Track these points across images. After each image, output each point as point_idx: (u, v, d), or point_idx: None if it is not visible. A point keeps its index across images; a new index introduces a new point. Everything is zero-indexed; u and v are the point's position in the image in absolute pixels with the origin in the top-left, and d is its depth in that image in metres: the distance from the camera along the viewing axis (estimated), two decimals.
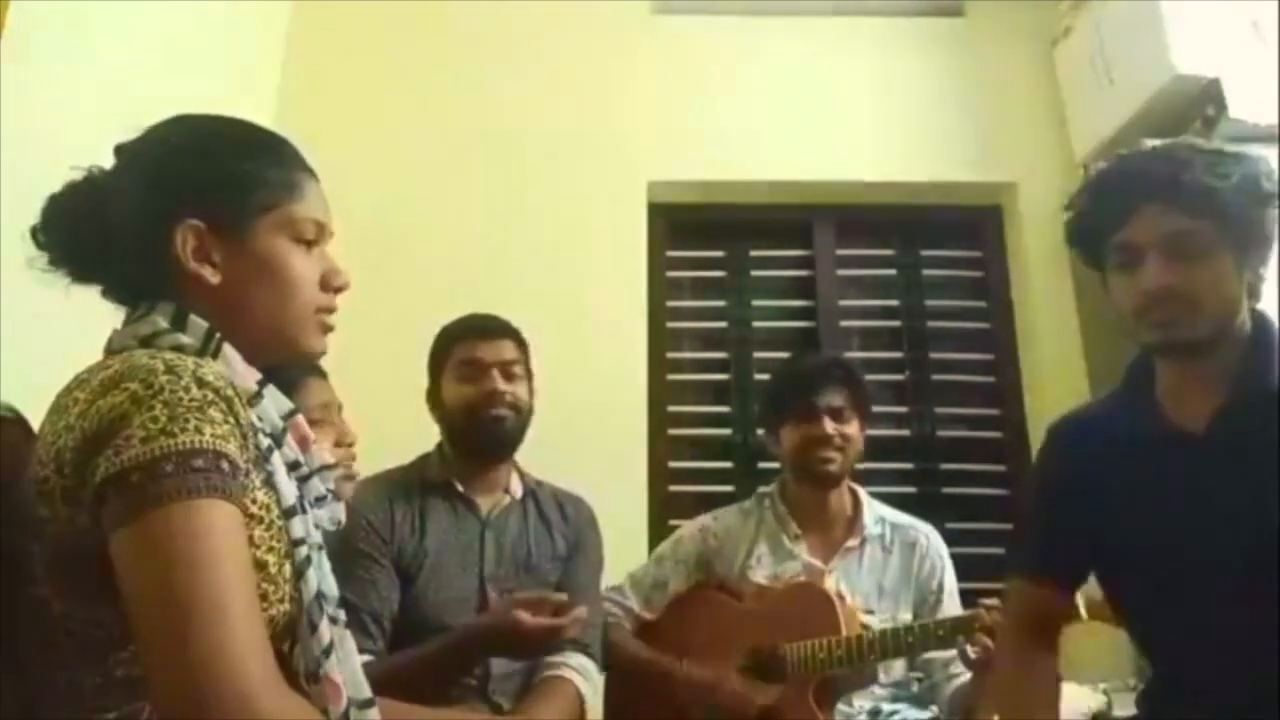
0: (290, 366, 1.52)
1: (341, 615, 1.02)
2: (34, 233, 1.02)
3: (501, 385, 1.89)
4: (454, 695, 1.75)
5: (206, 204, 1.01)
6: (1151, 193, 1.32)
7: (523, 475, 2.00)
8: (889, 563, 2.08)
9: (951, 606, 2.05)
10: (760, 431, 2.40)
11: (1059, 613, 1.51)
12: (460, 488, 1.91)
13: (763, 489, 2.22)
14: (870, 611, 2.01)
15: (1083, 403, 2.56)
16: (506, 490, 1.96)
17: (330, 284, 1.08)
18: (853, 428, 2.10)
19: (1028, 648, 1.49)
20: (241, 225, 1.02)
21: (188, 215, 1.00)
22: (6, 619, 0.92)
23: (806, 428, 2.08)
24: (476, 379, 1.90)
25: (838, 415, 2.09)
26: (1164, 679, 1.41)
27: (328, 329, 1.08)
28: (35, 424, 0.99)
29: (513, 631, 1.61)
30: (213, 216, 1.01)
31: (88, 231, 1.01)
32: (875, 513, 2.13)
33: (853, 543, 2.08)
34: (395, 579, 1.79)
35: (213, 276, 1.00)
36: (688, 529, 2.21)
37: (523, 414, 1.92)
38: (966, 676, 1.92)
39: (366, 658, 1.61)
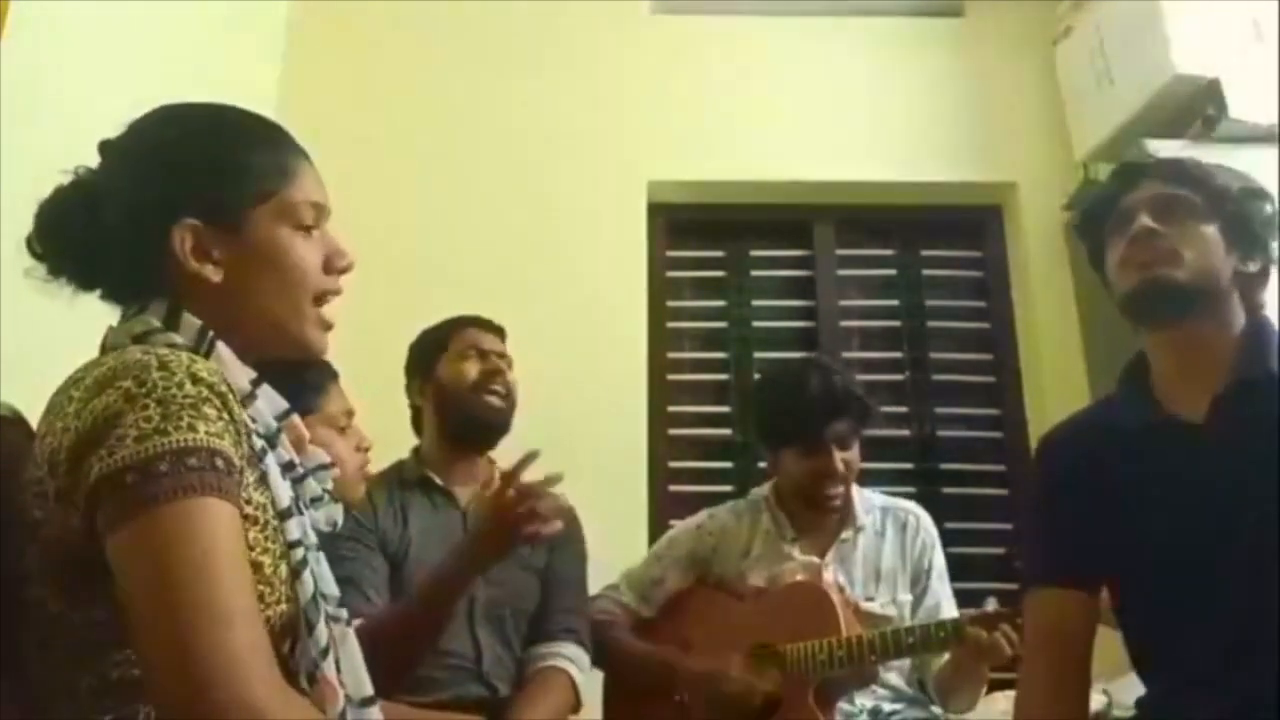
0: (313, 370, 1.56)
1: (343, 614, 1.02)
2: (29, 243, 1.01)
3: (505, 371, 1.98)
4: (449, 679, 1.77)
5: (201, 201, 1.00)
6: (1150, 169, 1.45)
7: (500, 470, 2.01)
8: (883, 547, 2.09)
9: (940, 587, 2.07)
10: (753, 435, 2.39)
11: (1087, 618, 1.40)
12: (439, 481, 1.95)
13: (756, 491, 2.21)
14: (870, 598, 2.03)
15: (1083, 402, 2.57)
16: (485, 482, 1.98)
17: (334, 266, 1.06)
18: (856, 450, 2.08)
19: (1055, 663, 1.40)
20: (238, 218, 1.01)
21: (183, 214, 0.99)
22: (5, 620, 0.92)
23: (813, 461, 2.03)
24: (480, 361, 1.97)
25: (843, 444, 2.04)
26: (1165, 679, 1.40)
27: (327, 326, 1.07)
28: (35, 424, 0.99)
29: (493, 513, 1.64)
30: (208, 213, 1.00)
31: (82, 236, 1.00)
32: (866, 501, 2.14)
33: (847, 534, 2.09)
34: (382, 558, 1.83)
35: (215, 275, 1.00)
36: (682, 528, 2.21)
37: (513, 405, 1.98)
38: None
39: (358, 621, 1.64)
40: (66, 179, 1.02)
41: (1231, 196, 1.38)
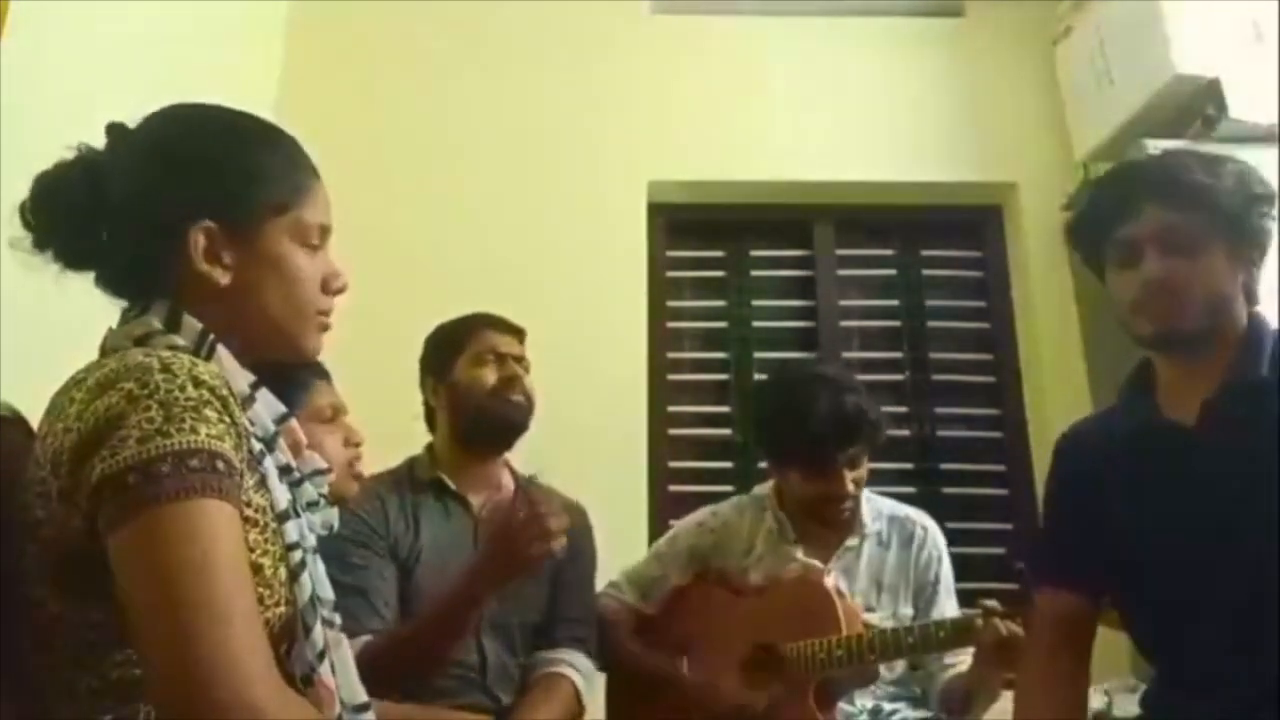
0: (299, 369, 1.55)
1: (337, 619, 1.02)
2: (22, 210, 1.01)
3: (523, 376, 1.95)
4: (453, 687, 1.75)
5: (219, 205, 1.01)
6: (1150, 191, 1.38)
7: (514, 472, 2.00)
8: (886, 558, 2.06)
9: (946, 600, 2.04)
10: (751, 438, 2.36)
11: (1086, 620, 1.47)
12: (452, 485, 1.92)
13: (758, 490, 2.20)
14: (871, 609, 2.00)
15: (1083, 402, 2.59)
16: (498, 487, 1.96)
17: (330, 287, 1.08)
18: (865, 467, 2.01)
19: (1055, 659, 1.46)
20: (252, 227, 1.02)
21: (200, 215, 1.00)
22: (5, 620, 0.92)
23: (824, 485, 1.97)
24: (498, 366, 1.94)
25: (854, 464, 1.97)
26: (1166, 678, 1.41)
27: (325, 329, 1.09)
28: (35, 424, 0.99)
29: (503, 538, 1.62)
30: (225, 218, 1.01)
31: (83, 215, 1.00)
32: (874, 508, 2.10)
33: (852, 542, 2.05)
34: (393, 567, 1.80)
35: (222, 277, 1.00)
36: (683, 525, 2.20)
37: (532, 406, 1.95)
38: (961, 667, 1.92)
39: (367, 638, 1.64)
40: (69, 154, 1.02)
41: (1235, 208, 1.35)
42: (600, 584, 2.06)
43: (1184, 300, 1.33)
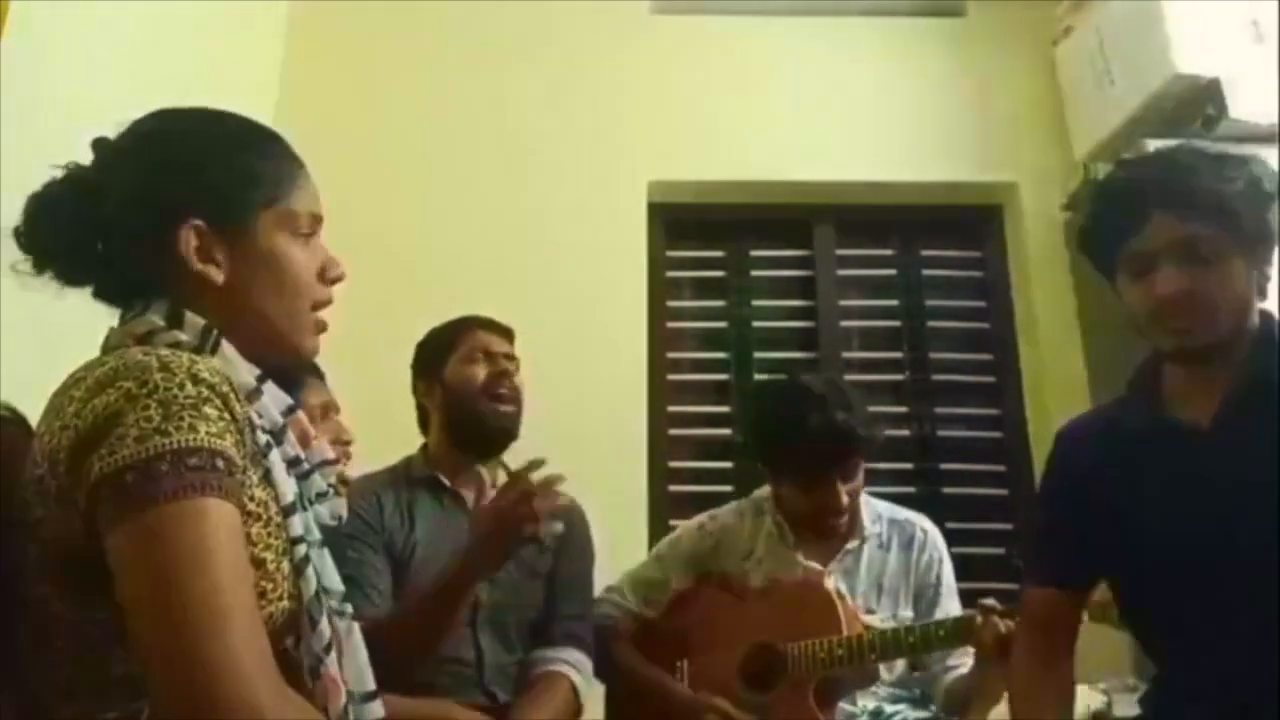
0: (290, 367, 1.55)
1: (348, 609, 1.02)
2: (17, 234, 1.01)
3: (513, 373, 1.96)
4: (450, 685, 1.76)
5: (207, 202, 1.00)
6: (1162, 201, 1.34)
7: (509, 471, 2.00)
8: (887, 560, 2.06)
9: (949, 601, 2.03)
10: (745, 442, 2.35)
11: (1074, 613, 1.49)
12: (447, 482, 1.93)
13: (758, 493, 2.19)
14: (871, 611, 2.00)
15: (1083, 402, 2.58)
16: (494, 485, 1.96)
17: (327, 275, 1.08)
18: (860, 475, 2.02)
19: (1044, 655, 1.48)
20: (243, 222, 1.02)
21: (189, 214, 0.99)
22: (5, 619, 0.92)
23: (818, 497, 1.98)
24: (488, 363, 1.95)
25: (848, 475, 1.98)
26: (1169, 678, 1.41)
27: (321, 329, 1.08)
28: (33, 423, 0.99)
29: (493, 515, 1.63)
30: (214, 214, 1.00)
31: (78, 231, 1.00)
32: (873, 511, 2.10)
33: (851, 545, 2.05)
34: (387, 562, 1.82)
35: (218, 275, 1.00)
36: (684, 528, 2.20)
37: (520, 409, 1.96)
38: (964, 669, 1.92)
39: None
40: (58, 173, 1.02)
41: (1250, 213, 1.32)
42: (600, 583, 2.06)
43: (1205, 312, 1.31)
